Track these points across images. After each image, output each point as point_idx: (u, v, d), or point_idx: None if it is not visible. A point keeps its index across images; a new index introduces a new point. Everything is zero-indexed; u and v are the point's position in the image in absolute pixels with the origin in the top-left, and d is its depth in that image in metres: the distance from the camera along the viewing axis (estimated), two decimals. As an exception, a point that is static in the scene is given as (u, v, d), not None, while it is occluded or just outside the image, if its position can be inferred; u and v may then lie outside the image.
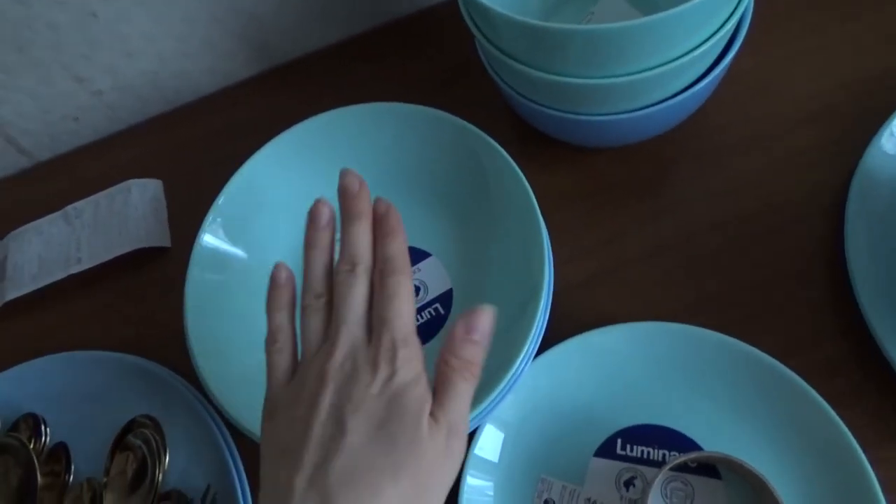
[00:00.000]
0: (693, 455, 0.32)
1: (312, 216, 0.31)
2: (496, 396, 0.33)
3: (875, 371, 0.36)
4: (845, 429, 0.33)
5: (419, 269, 0.41)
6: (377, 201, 0.31)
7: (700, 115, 0.43)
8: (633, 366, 0.36)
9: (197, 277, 0.39)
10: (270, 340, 0.30)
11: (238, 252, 0.42)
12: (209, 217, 0.40)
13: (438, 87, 0.49)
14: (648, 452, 0.35)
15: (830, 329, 0.38)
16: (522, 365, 0.34)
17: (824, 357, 0.37)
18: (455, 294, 0.40)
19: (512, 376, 0.34)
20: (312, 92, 0.53)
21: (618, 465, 0.35)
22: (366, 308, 0.29)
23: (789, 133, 0.44)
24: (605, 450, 0.35)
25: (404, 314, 0.28)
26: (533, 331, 0.34)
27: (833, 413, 0.33)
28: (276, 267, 0.31)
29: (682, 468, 0.34)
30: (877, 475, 0.32)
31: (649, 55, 0.35)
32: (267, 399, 0.30)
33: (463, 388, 0.27)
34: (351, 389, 0.27)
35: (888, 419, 0.35)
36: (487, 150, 0.40)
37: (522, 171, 0.38)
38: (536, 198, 0.37)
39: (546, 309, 0.35)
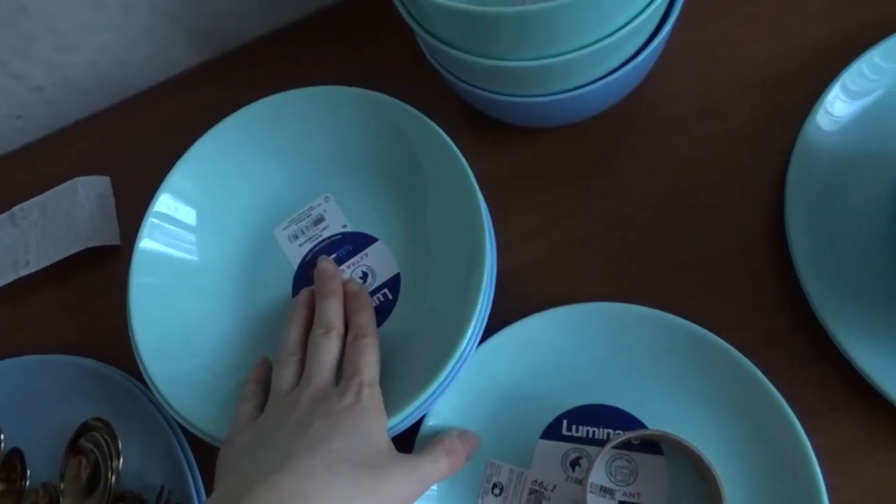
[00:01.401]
0: (633, 434, 0.33)
1: (297, 299, 0.37)
2: (443, 380, 0.33)
3: (814, 341, 0.37)
4: (780, 398, 0.33)
5: (366, 255, 0.40)
6: (348, 282, 0.37)
7: (644, 88, 0.42)
8: (575, 347, 0.36)
9: (139, 283, 0.38)
10: (246, 382, 0.35)
11: (180, 254, 0.41)
12: (146, 221, 0.40)
13: (385, 72, 0.48)
14: (593, 432, 0.35)
15: (772, 302, 0.38)
16: (468, 348, 0.34)
17: (765, 329, 0.38)
18: (403, 278, 0.40)
19: (458, 360, 0.33)
20: (259, 79, 0.52)
21: (564, 446, 0.35)
22: (336, 363, 0.33)
23: (735, 105, 0.43)
24: (551, 431, 0.36)
25: (373, 367, 0.32)
26: (478, 308, 0.33)
27: (768, 382, 0.33)
28: (262, 358, 0.37)
29: (626, 446, 0.35)
30: (814, 444, 0.32)
31: (583, 33, 0.34)
32: (228, 435, 0.33)
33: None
34: (320, 404, 0.31)
35: (826, 388, 0.36)
36: (413, 123, 0.39)
37: (469, 154, 0.37)
38: (484, 181, 0.37)
39: (490, 285, 0.35)
